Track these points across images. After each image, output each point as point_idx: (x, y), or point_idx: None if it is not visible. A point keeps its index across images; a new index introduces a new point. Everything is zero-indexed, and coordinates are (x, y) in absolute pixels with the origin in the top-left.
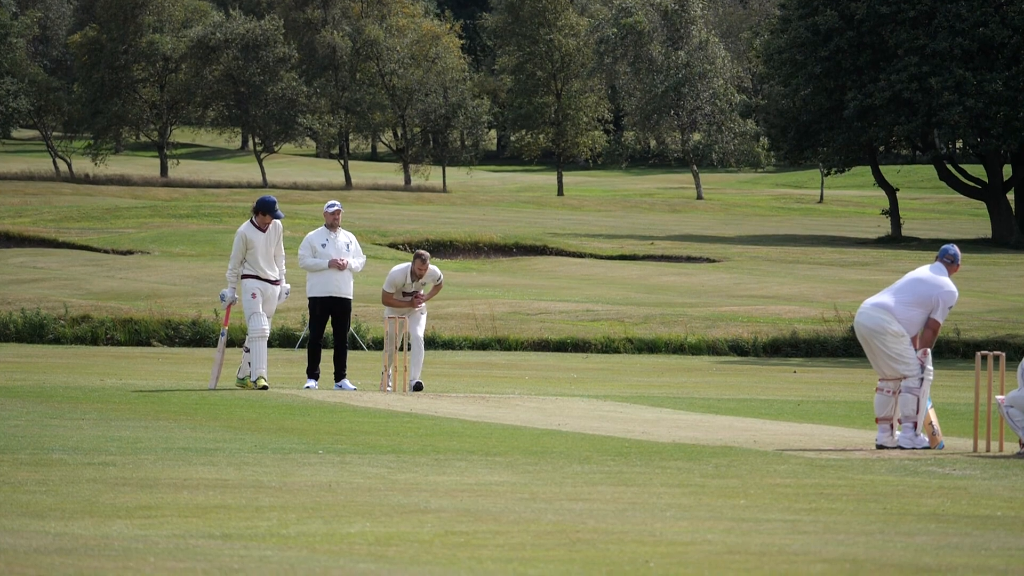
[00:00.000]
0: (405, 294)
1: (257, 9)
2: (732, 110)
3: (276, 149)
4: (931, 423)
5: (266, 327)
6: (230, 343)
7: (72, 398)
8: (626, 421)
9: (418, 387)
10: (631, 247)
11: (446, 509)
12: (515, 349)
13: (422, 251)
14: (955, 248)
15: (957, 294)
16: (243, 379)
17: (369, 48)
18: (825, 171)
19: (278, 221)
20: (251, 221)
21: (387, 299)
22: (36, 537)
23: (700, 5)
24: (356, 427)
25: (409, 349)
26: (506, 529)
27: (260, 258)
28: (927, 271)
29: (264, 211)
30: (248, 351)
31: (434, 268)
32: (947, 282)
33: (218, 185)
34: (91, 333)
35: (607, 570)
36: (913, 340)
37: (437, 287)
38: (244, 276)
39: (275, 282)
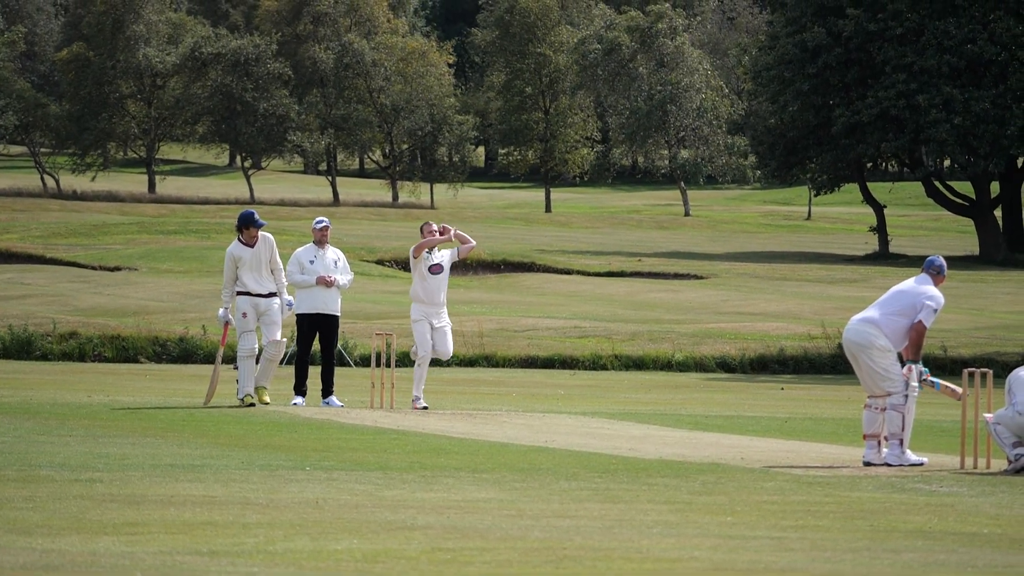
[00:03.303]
0: (431, 268)
1: (248, 26)
2: (719, 125)
3: (264, 166)
4: (947, 385)
5: (255, 346)
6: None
7: (59, 415)
8: (613, 438)
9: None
10: (619, 264)
11: (433, 526)
12: (503, 366)
13: (428, 223)
14: (940, 259)
15: (943, 299)
16: (246, 395)
17: (356, 65)
18: (815, 192)
19: (269, 235)
20: (238, 239)
21: (418, 250)
22: (23, 553)
23: (673, 19)
24: (343, 444)
25: (395, 366)
26: (493, 546)
27: (249, 274)
28: (911, 282)
29: (246, 225)
30: (237, 368)
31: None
32: (931, 289)
33: (206, 201)
34: (79, 349)
35: None
36: (902, 352)
37: (466, 245)
38: (237, 293)
39: (270, 295)
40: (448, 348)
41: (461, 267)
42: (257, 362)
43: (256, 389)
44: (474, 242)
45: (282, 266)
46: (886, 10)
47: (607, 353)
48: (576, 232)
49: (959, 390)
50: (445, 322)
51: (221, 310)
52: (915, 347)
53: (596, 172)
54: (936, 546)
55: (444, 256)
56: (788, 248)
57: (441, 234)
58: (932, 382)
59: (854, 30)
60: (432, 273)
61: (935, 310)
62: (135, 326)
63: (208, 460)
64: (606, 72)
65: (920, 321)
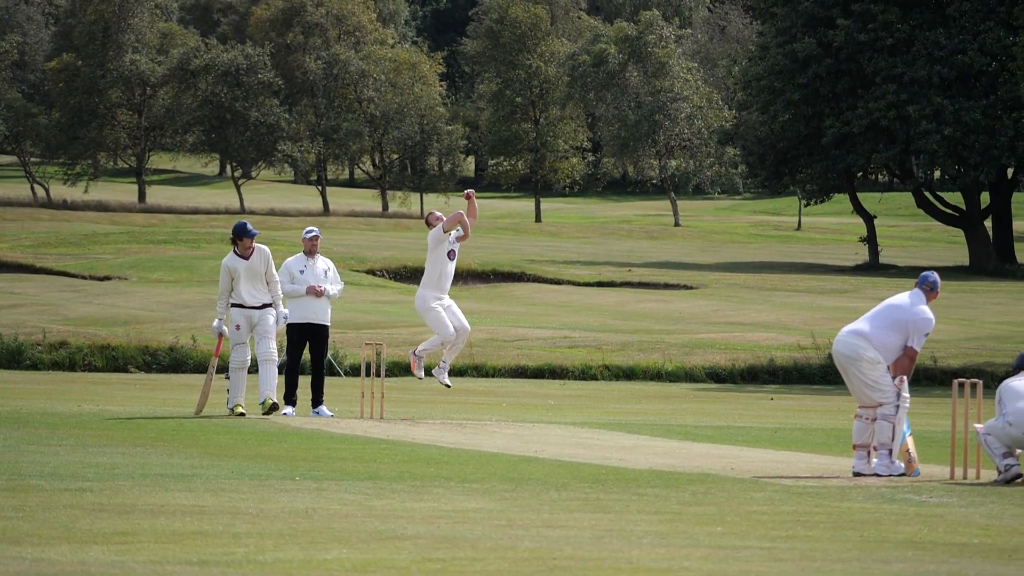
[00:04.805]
0: (448, 253)
1: (237, 34)
2: (710, 135)
3: (254, 175)
4: (908, 450)
5: (247, 358)
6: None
7: (49, 424)
8: (603, 448)
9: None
10: (609, 274)
11: (423, 536)
12: (492, 376)
13: (432, 212)
14: (935, 275)
15: (933, 321)
16: (236, 405)
17: (345, 75)
18: (805, 202)
19: (265, 247)
20: (233, 251)
21: (451, 223)
22: (13, 563)
23: (663, 28)
24: (333, 453)
25: (384, 376)
26: (483, 556)
27: (242, 286)
28: (905, 297)
29: (240, 236)
30: (228, 378)
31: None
32: (923, 309)
33: (196, 211)
34: (68, 359)
35: None
36: (891, 367)
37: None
38: (231, 304)
39: (264, 306)
40: (467, 323)
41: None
42: (251, 372)
43: (263, 403)
44: (474, 219)
45: (277, 278)
46: (876, 21)
47: (597, 363)
48: (566, 242)
49: (915, 464)
50: (451, 301)
51: (216, 321)
52: (905, 371)
53: (587, 182)
54: (926, 556)
55: (455, 244)
56: (778, 258)
57: (468, 198)
58: (903, 434)
59: (844, 41)
60: (449, 259)
61: (926, 334)
62: (125, 335)
63: (198, 470)
64: (595, 83)
65: (911, 347)
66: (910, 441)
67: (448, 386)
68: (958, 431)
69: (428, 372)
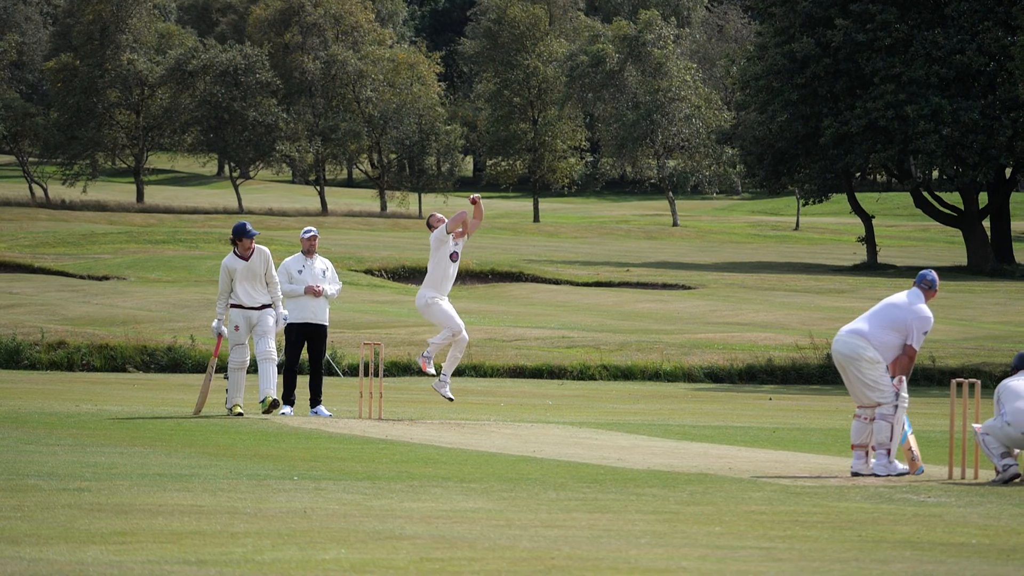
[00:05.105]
0: (451, 255)
1: (235, 33)
2: (708, 135)
3: (252, 175)
4: (910, 448)
5: (246, 359)
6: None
7: (48, 424)
8: (601, 448)
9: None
10: (607, 274)
11: (421, 536)
12: (491, 376)
13: (433, 214)
14: (933, 274)
15: (932, 319)
16: (234, 405)
17: (343, 75)
18: (804, 202)
19: (265, 248)
20: (233, 252)
21: (454, 223)
22: (11, 563)
23: (660, 27)
24: (331, 453)
25: (383, 375)
26: (481, 556)
27: (242, 287)
28: (903, 297)
29: (239, 236)
30: (227, 378)
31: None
32: (922, 308)
33: (194, 211)
34: (67, 359)
35: None
36: (890, 366)
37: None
38: (231, 305)
39: (263, 307)
40: (465, 332)
41: None
42: (250, 372)
43: (264, 400)
44: (479, 221)
45: (277, 280)
46: (875, 21)
47: (595, 363)
48: (564, 242)
49: (918, 461)
50: (451, 305)
51: (215, 321)
52: (904, 370)
53: (585, 182)
54: (925, 556)
55: (459, 245)
56: (776, 258)
57: (474, 203)
58: (903, 433)
59: (843, 40)
60: (451, 260)
61: (924, 332)
62: (123, 335)
63: (196, 469)
64: (594, 83)
65: (910, 346)
66: (912, 440)
67: (451, 399)
68: (956, 431)
69: (438, 371)
